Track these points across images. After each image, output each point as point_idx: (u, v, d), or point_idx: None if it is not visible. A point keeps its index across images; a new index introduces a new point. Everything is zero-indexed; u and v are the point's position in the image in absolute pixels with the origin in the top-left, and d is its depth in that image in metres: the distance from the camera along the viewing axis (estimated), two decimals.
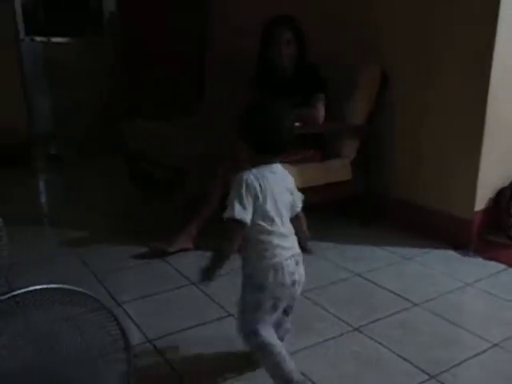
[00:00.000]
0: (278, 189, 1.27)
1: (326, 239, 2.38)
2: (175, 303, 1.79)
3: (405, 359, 1.47)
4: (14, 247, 1.53)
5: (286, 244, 1.28)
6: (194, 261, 2.16)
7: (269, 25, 2.37)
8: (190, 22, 3.76)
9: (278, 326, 1.36)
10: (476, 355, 1.50)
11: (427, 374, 1.41)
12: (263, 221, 1.24)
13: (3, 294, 0.84)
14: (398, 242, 2.34)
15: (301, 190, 2.25)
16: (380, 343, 1.55)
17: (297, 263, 1.30)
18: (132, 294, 1.85)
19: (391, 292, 1.88)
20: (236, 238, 1.23)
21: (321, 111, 2.25)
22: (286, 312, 1.36)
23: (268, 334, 1.27)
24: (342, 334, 1.61)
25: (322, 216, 2.60)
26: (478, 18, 2.09)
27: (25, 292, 0.86)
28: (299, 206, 1.37)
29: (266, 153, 1.26)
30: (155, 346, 1.53)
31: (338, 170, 2.44)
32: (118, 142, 3.11)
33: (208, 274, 1.26)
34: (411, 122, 2.44)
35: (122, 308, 1.75)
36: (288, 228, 1.31)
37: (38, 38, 3.95)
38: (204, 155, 2.41)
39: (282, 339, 1.35)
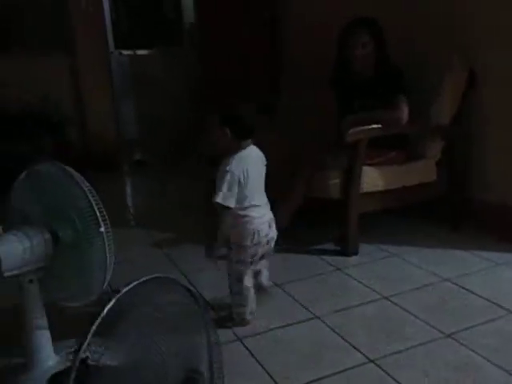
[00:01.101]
0: (255, 167, 1.59)
1: (410, 242, 2.31)
2: (261, 304, 1.82)
3: (503, 369, 1.40)
4: None
5: (261, 213, 1.62)
6: (277, 262, 2.19)
7: (346, 27, 2.36)
8: (264, 26, 3.83)
9: (257, 274, 1.73)
10: None
11: None
12: (243, 198, 1.56)
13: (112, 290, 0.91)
14: (489, 246, 2.22)
15: (383, 192, 2.26)
16: (475, 351, 1.49)
17: (270, 226, 1.65)
18: (217, 292, 1.90)
19: (484, 299, 1.79)
20: (225, 218, 1.56)
21: (404, 112, 2.20)
22: (263, 257, 1.70)
23: (248, 282, 1.65)
24: (432, 341, 1.56)
25: (406, 218, 2.54)
26: None
27: (140, 282, 0.93)
28: None
29: (245, 137, 1.58)
30: (244, 344, 1.58)
31: (422, 171, 2.37)
32: (197, 147, 3.24)
33: (210, 250, 1.62)
34: (507, 121, 2.30)
35: (210, 305, 1.81)
36: (262, 198, 1.64)
37: (125, 52, 4.22)
38: (284, 157, 2.44)
39: (261, 284, 1.75)
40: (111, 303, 0.85)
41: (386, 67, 2.33)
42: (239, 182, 1.54)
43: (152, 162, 4.23)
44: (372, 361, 1.47)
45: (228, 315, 1.73)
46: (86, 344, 0.77)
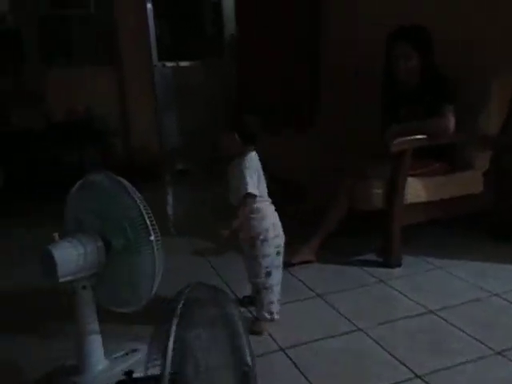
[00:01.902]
0: (260, 170, 1.72)
1: (456, 255, 2.25)
2: (303, 314, 1.83)
3: None
4: None
5: (272, 207, 1.74)
6: (318, 273, 2.19)
7: (390, 37, 2.34)
8: (303, 38, 3.84)
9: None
10: None
11: None
12: (259, 191, 1.68)
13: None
14: None
15: (427, 203, 2.22)
16: None
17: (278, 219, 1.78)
18: None
19: None
20: (252, 207, 1.67)
21: (451, 121, 2.15)
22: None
23: (276, 277, 1.74)
24: (482, 358, 1.51)
25: (451, 230, 2.48)
26: None
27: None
28: None
29: (251, 143, 1.71)
30: (288, 355, 1.58)
31: (468, 182, 2.31)
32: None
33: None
34: None
35: (253, 316, 1.83)
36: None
37: (169, 64, 4.32)
38: (326, 168, 2.45)
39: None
40: (181, 302, 0.87)
41: (432, 75, 2.28)
42: (257, 174, 1.69)
43: (194, 171, 4.30)
44: (419, 376, 1.44)
45: (257, 315, 1.77)
46: (170, 355, 0.78)
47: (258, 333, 1.70)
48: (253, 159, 1.70)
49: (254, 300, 1.81)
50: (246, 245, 1.75)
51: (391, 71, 2.36)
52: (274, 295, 1.74)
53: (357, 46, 3.26)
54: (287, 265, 2.21)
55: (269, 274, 1.72)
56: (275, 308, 1.75)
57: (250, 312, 1.84)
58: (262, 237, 1.70)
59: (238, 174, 1.68)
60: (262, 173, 1.73)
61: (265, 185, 1.74)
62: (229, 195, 1.76)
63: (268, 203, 1.74)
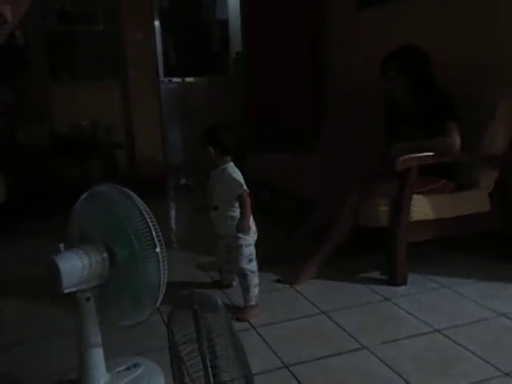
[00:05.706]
0: None
1: (462, 274, 2.24)
2: (308, 331, 1.81)
3: None
4: None
5: None
6: (323, 290, 2.17)
7: (383, 58, 2.36)
8: (309, 60, 3.88)
9: None
10: None
11: None
12: None
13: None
14: None
15: (433, 221, 2.20)
16: None
17: None
18: (265, 319, 1.90)
19: None
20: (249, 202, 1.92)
21: (456, 139, 2.15)
22: None
23: (255, 264, 1.96)
24: (489, 379, 1.48)
25: (457, 249, 2.47)
26: None
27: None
28: None
29: (227, 153, 1.95)
30: (292, 373, 1.55)
31: (474, 201, 2.30)
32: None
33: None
34: None
35: (257, 332, 1.80)
36: None
37: (174, 79, 4.37)
38: (332, 184, 2.44)
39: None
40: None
41: (431, 94, 2.28)
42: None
43: (198, 186, 4.30)
44: None
45: (245, 302, 1.94)
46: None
47: (242, 320, 1.87)
48: (234, 167, 1.95)
49: (241, 287, 1.96)
50: (231, 237, 1.98)
51: (388, 92, 2.39)
52: (257, 278, 1.94)
53: (357, 70, 3.31)
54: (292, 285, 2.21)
55: (251, 260, 1.94)
56: (257, 291, 1.94)
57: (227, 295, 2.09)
58: (248, 228, 1.93)
59: (226, 178, 1.92)
60: None
61: None
62: (207, 199, 2.03)
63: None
